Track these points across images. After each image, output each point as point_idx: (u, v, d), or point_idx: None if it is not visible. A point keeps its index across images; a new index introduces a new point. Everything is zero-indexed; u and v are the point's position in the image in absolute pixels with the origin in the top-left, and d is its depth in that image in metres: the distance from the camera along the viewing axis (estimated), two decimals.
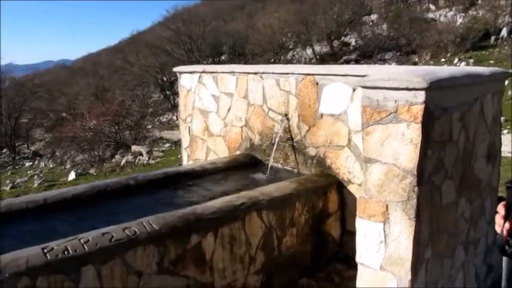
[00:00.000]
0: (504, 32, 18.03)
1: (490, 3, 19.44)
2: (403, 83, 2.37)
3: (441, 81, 2.42)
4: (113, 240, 2.58)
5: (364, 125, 2.58)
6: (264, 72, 4.36)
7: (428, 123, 2.39)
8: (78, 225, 3.01)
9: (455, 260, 2.92)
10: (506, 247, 1.36)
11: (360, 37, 23.07)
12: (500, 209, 1.38)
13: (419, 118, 2.35)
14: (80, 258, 2.44)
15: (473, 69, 3.42)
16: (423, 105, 2.34)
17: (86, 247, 2.48)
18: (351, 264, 3.09)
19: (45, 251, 2.39)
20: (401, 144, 2.43)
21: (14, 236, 2.91)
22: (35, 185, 12.08)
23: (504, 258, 1.39)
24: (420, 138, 2.36)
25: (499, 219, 1.37)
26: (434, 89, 2.35)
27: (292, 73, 4.07)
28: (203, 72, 5.09)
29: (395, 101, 2.42)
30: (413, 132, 2.37)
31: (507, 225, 1.34)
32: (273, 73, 4.27)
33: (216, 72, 4.92)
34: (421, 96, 2.33)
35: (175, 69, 5.63)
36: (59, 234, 2.61)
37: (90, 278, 2.48)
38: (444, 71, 2.78)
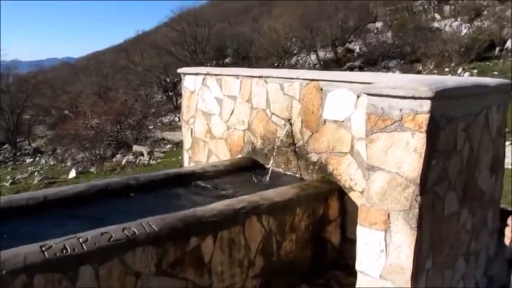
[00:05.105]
0: (509, 44, 18.04)
1: (496, 15, 19.47)
2: (409, 91, 2.36)
3: (447, 91, 2.41)
4: (111, 240, 2.56)
5: (368, 132, 2.56)
6: (268, 76, 4.35)
7: (433, 132, 2.37)
8: (76, 223, 3.00)
9: (456, 271, 2.90)
10: None
11: (364, 44, 23.12)
12: (510, 221, 1.36)
13: (424, 127, 2.33)
14: (78, 257, 2.42)
15: (479, 80, 3.41)
16: (428, 115, 2.32)
17: (84, 246, 2.46)
18: (350, 272, 3.07)
19: (43, 248, 2.37)
20: (405, 153, 2.41)
21: (13, 232, 2.90)
22: (35, 181, 12.10)
23: None
24: (424, 148, 2.35)
25: (508, 232, 1.35)
26: (440, 98, 2.34)
27: (297, 78, 4.06)
28: (207, 74, 5.08)
29: (401, 110, 2.41)
30: (418, 141, 2.36)
31: None
32: (277, 77, 4.26)
33: (220, 74, 4.91)
34: (426, 105, 2.32)
35: (179, 70, 5.62)
36: (57, 232, 2.59)
37: (88, 277, 2.46)
38: (450, 80, 2.77)
